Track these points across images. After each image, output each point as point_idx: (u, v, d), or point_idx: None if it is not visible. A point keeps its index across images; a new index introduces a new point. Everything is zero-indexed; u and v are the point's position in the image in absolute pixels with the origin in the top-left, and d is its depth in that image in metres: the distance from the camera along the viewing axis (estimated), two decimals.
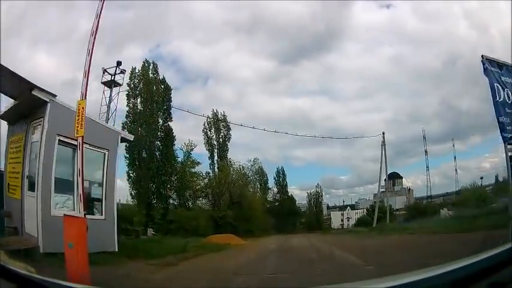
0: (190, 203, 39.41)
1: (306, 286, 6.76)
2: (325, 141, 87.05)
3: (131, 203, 35.24)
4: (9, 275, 2.19)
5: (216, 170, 42.83)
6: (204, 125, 44.77)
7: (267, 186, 64.51)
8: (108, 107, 25.89)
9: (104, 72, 27.27)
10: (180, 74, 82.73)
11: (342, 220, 77.15)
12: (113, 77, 27.36)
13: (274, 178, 68.19)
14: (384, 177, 37.27)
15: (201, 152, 44.11)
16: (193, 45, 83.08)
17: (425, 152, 58.08)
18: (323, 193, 71.17)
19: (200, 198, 40.70)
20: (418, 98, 75.61)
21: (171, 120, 38.57)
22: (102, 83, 28.68)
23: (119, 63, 27.22)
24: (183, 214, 33.76)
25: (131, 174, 35.52)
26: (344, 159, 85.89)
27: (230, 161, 43.54)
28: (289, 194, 69.14)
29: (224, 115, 45.20)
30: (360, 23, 76.63)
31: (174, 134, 37.96)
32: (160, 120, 37.72)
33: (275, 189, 67.30)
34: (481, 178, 39.50)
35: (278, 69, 78.45)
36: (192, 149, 39.68)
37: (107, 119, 24.79)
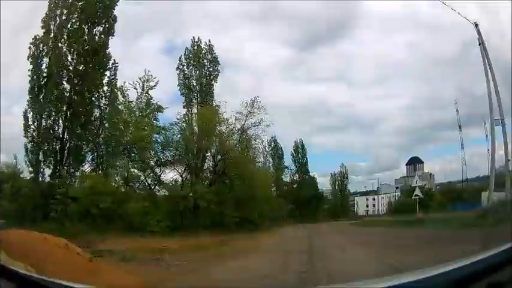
0: (149, 174, 21.67)
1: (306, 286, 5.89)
2: (344, 128, 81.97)
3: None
4: (9, 274, 1.94)
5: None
6: (180, 59, 26.94)
7: (282, 162, 47.41)
8: None
9: None
10: None
11: (367, 206, 69.76)
12: None
13: (292, 154, 51.32)
14: (493, 98, 20.86)
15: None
16: (209, 34, 71.98)
17: (459, 127, 47.20)
18: (348, 174, 59.01)
19: (167, 167, 22.56)
20: (434, 83, 72.52)
21: (111, 34, 21.16)
22: None
23: None
24: (94, 186, 15.97)
25: (28, 114, 18.41)
26: (363, 145, 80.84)
27: (218, 104, 24.72)
28: (311, 173, 51.39)
29: (210, 44, 27.09)
30: (375, 9, 67.69)
31: (109, 55, 20.46)
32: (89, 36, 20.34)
33: (293, 168, 50.20)
34: (508, 160, 29.43)
35: (295, 57, 73.51)
36: (151, 87, 21.89)
37: None
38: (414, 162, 66.49)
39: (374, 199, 68.16)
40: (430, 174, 58.76)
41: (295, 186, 49.98)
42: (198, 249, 12.16)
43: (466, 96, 65.40)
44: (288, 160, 49.70)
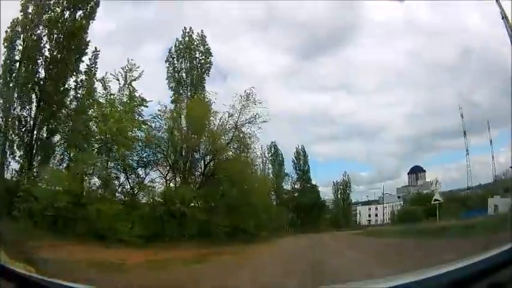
0: (130, 175, 19.16)
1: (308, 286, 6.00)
2: (345, 137, 75.02)
3: None
4: (9, 274, 1.95)
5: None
6: (170, 51, 24.73)
7: (282, 169, 44.92)
8: None
9: None
10: None
11: (370, 215, 66.04)
12: None
13: (293, 161, 48.65)
14: None
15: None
16: (210, 42, 71.94)
17: (464, 133, 42.41)
18: (350, 183, 56.11)
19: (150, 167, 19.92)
20: (435, 90, 65.55)
21: (92, 19, 19.06)
22: None
23: None
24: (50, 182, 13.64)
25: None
26: (364, 155, 76.70)
27: (209, 94, 22.23)
28: (313, 181, 48.77)
29: (202, 35, 24.91)
30: (376, 17, 67.10)
31: (88, 39, 18.34)
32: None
33: (294, 176, 47.56)
34: (511, 167, 32.45)
35: (296, 65, 69.22)
36: (134, 79, 19.45)
37: None
38: (416, 171, 63.16)
39: (377, 208, 65.10)
40: (431, 183, 55.52)
41: (296, 194, 47.09)
42: (171, 265, 9.63)
43: (466, 104, 61.49)
44: (289, 168, 47.25)
